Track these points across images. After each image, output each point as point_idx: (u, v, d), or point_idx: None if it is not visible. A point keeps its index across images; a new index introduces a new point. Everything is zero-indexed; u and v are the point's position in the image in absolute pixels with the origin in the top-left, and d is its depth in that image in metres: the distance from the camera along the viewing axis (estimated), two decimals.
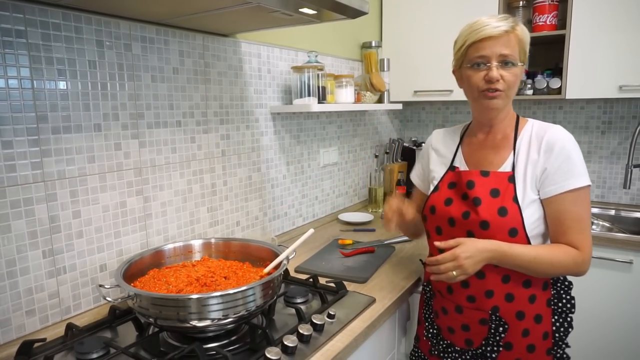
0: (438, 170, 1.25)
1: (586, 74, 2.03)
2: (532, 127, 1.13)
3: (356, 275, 1.43)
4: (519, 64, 1.07)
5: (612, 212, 2.26)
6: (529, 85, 2.23)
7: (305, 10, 1.14)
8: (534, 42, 2.34)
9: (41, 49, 1.03)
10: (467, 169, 1.18)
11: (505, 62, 1.06)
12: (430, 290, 1.27)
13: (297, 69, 1.70)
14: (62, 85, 1.08)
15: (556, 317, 1.13)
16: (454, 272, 1.03)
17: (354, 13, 1.20)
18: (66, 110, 1.09)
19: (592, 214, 2.28)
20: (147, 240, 1.32)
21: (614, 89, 1.98)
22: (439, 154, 1.27)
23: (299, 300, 1.23)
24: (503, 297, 1.10)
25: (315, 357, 0.99)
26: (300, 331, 1.02)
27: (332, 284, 1.32)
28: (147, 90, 1.28)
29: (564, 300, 1.13)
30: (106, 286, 1.12)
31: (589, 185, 1.08)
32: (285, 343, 0.97)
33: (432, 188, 1.23)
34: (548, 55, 2.34)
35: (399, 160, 2.59)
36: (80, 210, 1.14)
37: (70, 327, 1.06)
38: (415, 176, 1.39)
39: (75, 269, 1.14)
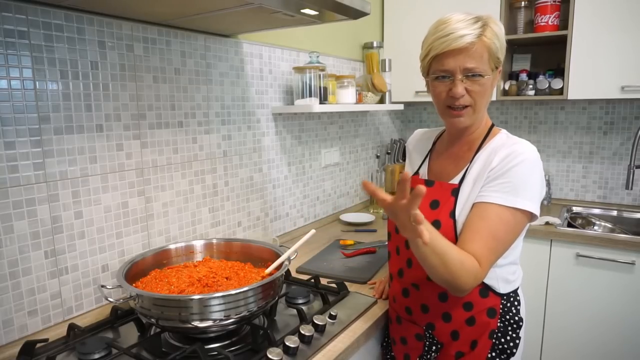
0: (410, 166, 1.22)
1: (588, 75, 2.02)
2: (498, 140, 1.01)
3: (358, 275, 1.43)
4: (487, 75, 0.96)
5: (614, 213, 2.26)
6: (531, 86, 2.23)
7: (307, 11, 1.14)
8: (536, 42, 2.36)
9: (43, 49, 1.04)
10: (425, 172, 1.13)
11: (472, 75, 0.96)
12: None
13: (299, 70, 1.70)
14: (64, 86, 1.08)
15: (494, 354, 1.01)
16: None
17: (355, 14, 1.20)
18: (68, 110, 1.09)
19: (593, 214, 2.28)
20: (148, 240, 1.32)
21: (616, 90, 1.97)
22: (411, 159, 1.23)
23: (300, 301, 1.23)
24: (440, 315, 1.04)
25: (317, 357, 0.99)
26: (302, 332, 1.02)
27: (334, 285, 1.32)
28: (149, 90, 1.28)
29: (508, 337, 1.02)
30: (108, 287, 1.12)
31: (528, 214, 0.94)
32: (287, 344, 0.97)
33: None
34: (550, 55, 2.33)
35: (401, 161, 2.59)
36: (82, 211, 1.14)
37: (72, 327, 1.06)
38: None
39: (77, 269, 1.15)
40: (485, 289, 1.01)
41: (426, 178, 1.11)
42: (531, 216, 0.95)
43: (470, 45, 0.93)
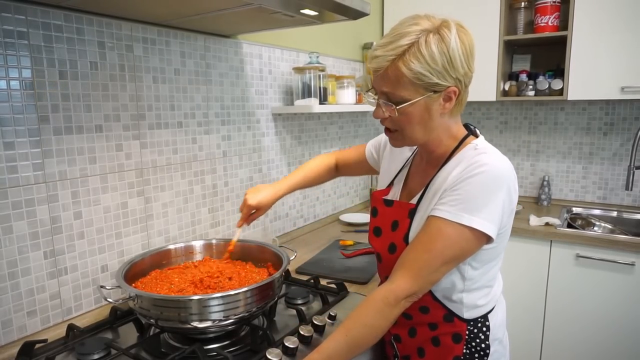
0: (382, 180, 1.13)
1: (588, 75, 2.02)
2: (464, 152, 0.90)
3: (357, 276, 1.43)
4: (410, 101, 0.84)
5: (614, 214, 2.26)
6: (531, 87, 2.23)
7: (307, 11, 1.14)
8: (536, 43, 2.36)
9: (43, 50, 1.03)
10: (398, 193, 1.04)
11: (387, 100, 0.87)
12: None
13: (299, 70, 1.70)
14: (63, 86, 1.08)
15: None
16: None
17: (355, 14, 1.20)
18: (67, 111, 1.09)
19: (593, 215, 2.28)
20: (148, 241, 1.32)
21: (616, 90, 1.97)
22: (391, 158, 1.12)
23: (299, 301, 1.23)
24: (407, 330, 1.01)
25: None
26: (301, 332, 1.02)
27: (333, 285, 1.31)
28: (149, 91, 1.28)
29: None
30: (107, 287, 1.12)
31: (479, 233, 0.83)
32: (286, 344, 0.97)
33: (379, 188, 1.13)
34: (550, 56, 2.33)
35: None
36: (81, 211, 1.14)
37: (71, 328, 1.06)
38: (371, 144, 1.25)
39: (76, 269, 1.14)
40: (450, 315, 0.95)
41: (391, 198, 1.04)
42: (485, 237, 0.84)
43: (383, 68, 0.84)
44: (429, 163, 0.98)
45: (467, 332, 0.95)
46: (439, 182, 0.91)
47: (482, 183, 0.83)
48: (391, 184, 1.07)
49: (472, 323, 0.96)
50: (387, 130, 0.94)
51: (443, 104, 0.87)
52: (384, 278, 1.01)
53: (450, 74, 0.84)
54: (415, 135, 0.90)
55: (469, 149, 0.91)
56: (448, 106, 0.88)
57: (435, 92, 0.85)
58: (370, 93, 0.93)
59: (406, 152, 1.09)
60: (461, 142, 0.93)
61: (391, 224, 0.99)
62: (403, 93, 0.84)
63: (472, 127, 0.98)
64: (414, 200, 0.96)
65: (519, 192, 2.57)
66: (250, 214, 1.24)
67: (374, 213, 1.05)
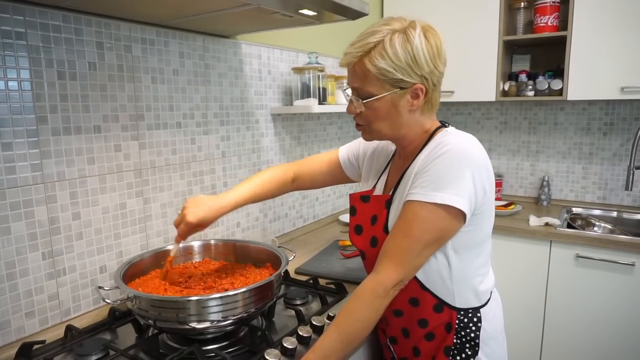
0: (365, 183, 1.15)
1: (588, 76, 2.02)
2: (434, 140, 0.93)
3: (356, 276, 1.43)
4: (377, 96, 0.89)
5: (614, 214, 2.25)
6: (530, 87, 2.22)
7: (305, 11, 1.14)
8: (536, 43, 2.36)
9: (41, 51, 1.03)
10: (381, 190, 1.05)
11: (357, 95, 0.93)
12: None
13: (298, 70, 1.70)
14: (61, 87, 1.08)
15: None
16: None
17: (354, 14, 1.20)
18: (66, 111, 1.09)
19: (593, 215, 2.28)
20: (147, 241, 1.32)
21: (616, 91, 1.97)
22: (373, 163, 1.14)
23: (298, 302, 1.23)
24: (400, 330, 1.02)
25: None
26: (300, 333, 1.01)
27: (332, 286, 1.31)
28: (147, 91, 1.28)
29: (463, 355, 0.96)
30: (105, 288, 1.12)
31: (455, 210, 0.85)
32: (285, 345, 0.96)
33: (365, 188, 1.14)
34: (549, 56, 2.33)
35: None
36: (80, 212, 1.14)
37: (69, 328, 1.06)
38: (346, 150, 1.24)
39: (75, 270, 1.14)
40: (440, 304, 0.95)
41: (382, 188, 1.06)
42: (460, 213, 0.86)
43: (350, 64, 0.91)
44: (405, 158, 1.01)
45: (457, 322, 0.96)
46: (411, 170, 0.94)
47: (447, 161, 0.86)
48: (374, 186, 1.09)
49: (462, 312, 0.96)
50: (357, 125, 0.99)
51: (411, 100, 0.91)
52: None
53: (414, 71, 0.88)
54: (382, 130, 0.95)
55: (440, 136, 0.93)
56: (416, 103, 0.92)
57: (401, 88, 0.89)
58: (347, 91, 0.97)
59: (389, 154, 1.11)
60: (433, 133, 0.96)
61: (370, 219, 1.01)
62: (370, 88, 0.90)
63: (446, 123, 1.00)
64: (391, 192, 0.98)
65: (519, 192, 2.61)
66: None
67: (352, 212, 1.08)
